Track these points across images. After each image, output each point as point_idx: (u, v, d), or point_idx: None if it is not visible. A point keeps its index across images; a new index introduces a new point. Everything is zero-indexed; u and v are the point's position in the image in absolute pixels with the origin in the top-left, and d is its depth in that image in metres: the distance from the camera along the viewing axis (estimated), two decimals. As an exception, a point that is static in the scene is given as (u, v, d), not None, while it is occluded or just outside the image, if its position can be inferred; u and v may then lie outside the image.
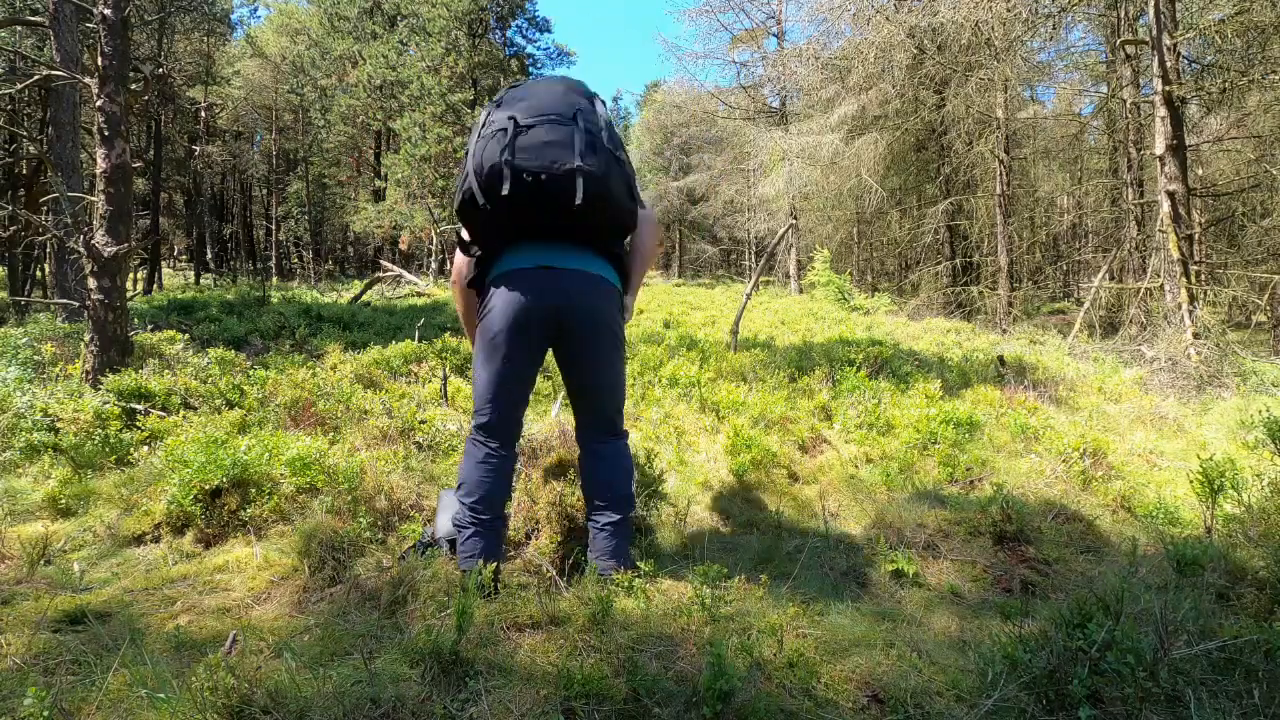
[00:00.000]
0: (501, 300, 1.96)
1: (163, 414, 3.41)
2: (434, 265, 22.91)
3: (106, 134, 4.37)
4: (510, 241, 2.01)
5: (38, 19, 9.57)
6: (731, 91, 21.33)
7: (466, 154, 1.96)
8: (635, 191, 2.02)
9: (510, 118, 1.86)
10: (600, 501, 2.10)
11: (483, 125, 1.93)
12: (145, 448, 3.03)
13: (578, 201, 1.81)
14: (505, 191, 1.81)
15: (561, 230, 1.95)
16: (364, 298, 13.00)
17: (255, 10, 31.88)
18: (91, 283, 4.21)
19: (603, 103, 2.03)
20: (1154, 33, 7.37)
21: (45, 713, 1.27)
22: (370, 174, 32.09)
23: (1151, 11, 7.39)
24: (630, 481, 2.15)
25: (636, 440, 3.33)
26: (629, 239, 2.18)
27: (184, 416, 3.32)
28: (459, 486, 2.07)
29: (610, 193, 1.88)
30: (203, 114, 27.64)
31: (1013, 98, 13.89)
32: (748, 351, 5.54)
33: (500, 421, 2.05)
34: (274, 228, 32.71)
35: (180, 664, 1.65)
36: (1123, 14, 11.93)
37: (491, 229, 1.99)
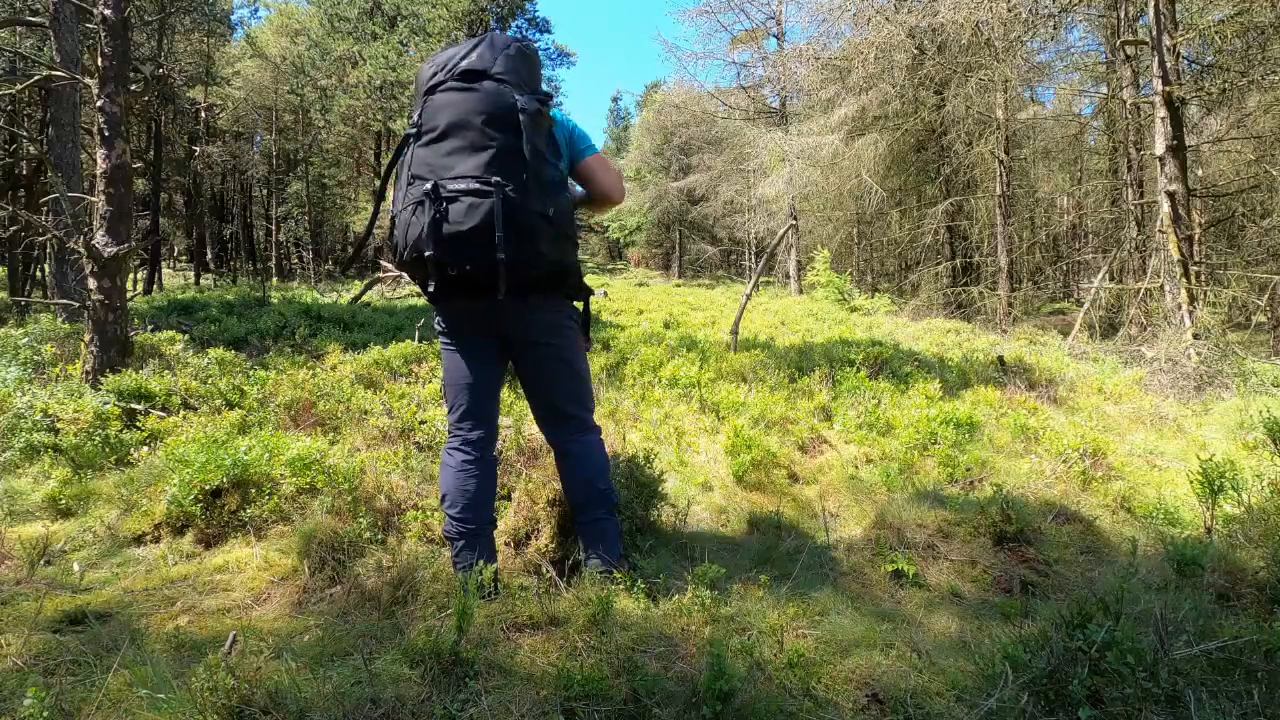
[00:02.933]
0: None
1: (163, 414, 3.41)
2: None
3: (106, 134, 4.37)
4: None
5: (38, 19, 9.58)
6: (731, 92, 21.35)
7: (393, 190, 1.90)
8: (572, 225, 1.90)
9: (430, 190, 1.74)
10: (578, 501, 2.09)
11: (405, 161, 1.84)
12: (145, 448, 3.03)
13: (499, 297, 1.78)
14: (431, 287, 1.81)
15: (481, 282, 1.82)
16: (364, 298, 13.00)
17: (255, 10, 31.90)
18: (91, 283, 4.21)
19: (539, 110, 1.83)
20: (1154, 33, 7.37)
21: (45, 713, 1.27)
22: (370, 174, 32.09)
23: (1151, 12, 7.39)
24: (605, 475, 2.11)
25: (636, 440, 3.33)
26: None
27: (184, 417, 3.32)
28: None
29: (538, 262, 1.80)
30: (203, 114, 27.64)
31: (1013, 98, 13.89)
32: (748, 352, 5.54)
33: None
34: (274, 228, 32.71)
35: (180, 664, 1.65)
36: (1123, 14, 11.92)
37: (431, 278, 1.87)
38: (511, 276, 1.77)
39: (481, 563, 1.89)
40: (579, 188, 2.11)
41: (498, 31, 1.94)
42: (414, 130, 1.86)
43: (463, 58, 1.85)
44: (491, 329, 1.97)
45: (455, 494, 2.00)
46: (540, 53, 30.96)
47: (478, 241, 1.72)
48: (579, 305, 2.10)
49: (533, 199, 1.77)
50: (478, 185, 1.73)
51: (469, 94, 1.80)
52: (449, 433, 2.07)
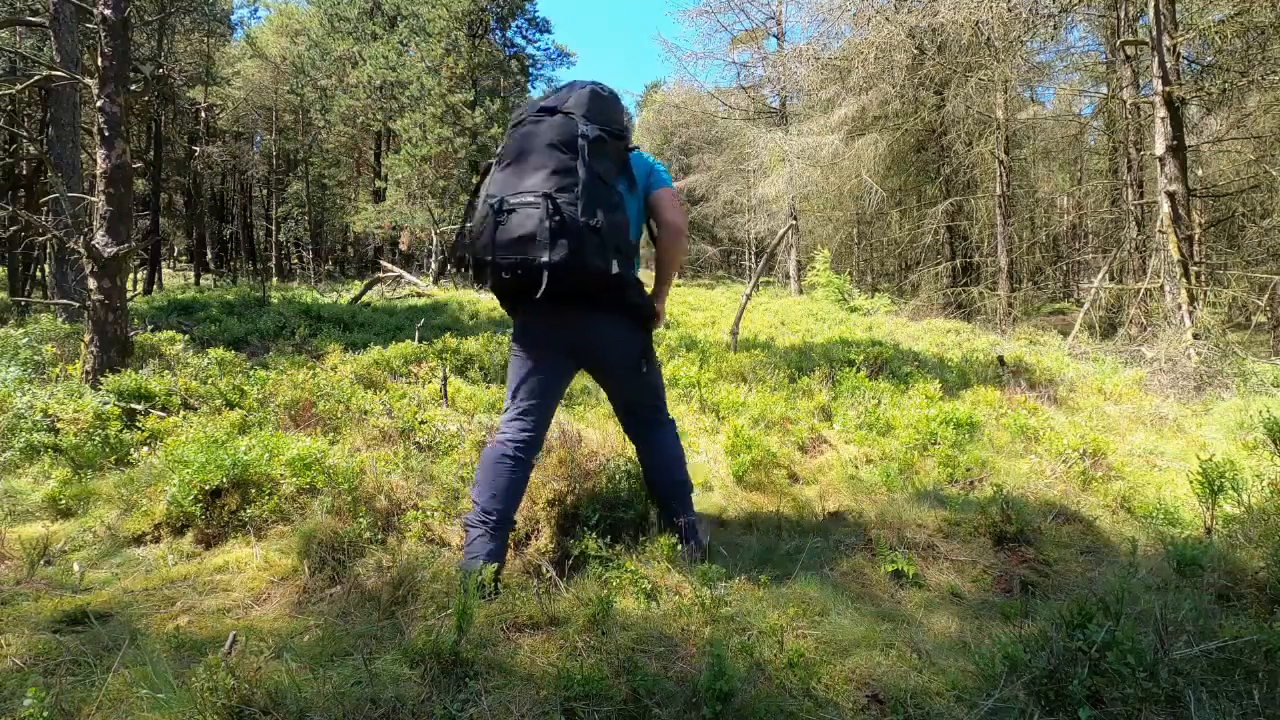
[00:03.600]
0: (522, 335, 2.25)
1: (163, 414, 3.41)
2: (434, 266, 22.89)
3: (106, 134, 4.37)
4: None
5: (38, 19, 9.58)
6: (731, 92, 21.36)
7: (475, 202, 2.11)
8: (623, 239, 2.03)
9: (496, 203, 1.98)
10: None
11: (485, 185, 2.10)
12: (145, 448, 3.03)
13: (536, 296, 1.93)
14: (489, 285, 2.06)
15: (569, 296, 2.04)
16: (364, 298, 13.00)
17: (255, 11, 31.90)
18: (91, 283, 4.21)
19: (606, 141, 2.03)
20: (1154, 33, 7.37)
21: (45, 713, 1.27)
22: (370, 174, 32.09)
23: (1151, 12, 7.39)
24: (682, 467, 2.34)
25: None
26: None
27: (184, 417, 3.32)
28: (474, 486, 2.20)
29: (582, 268, 1.93)
30: (203, 114, 27.63)
31: (1013, 98, 13.89)
32: (748, 352, 5.54)
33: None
34: (274, 228, 32.70)
35: (180, 664, 1.65)
36: (1123, 14, 11.92)
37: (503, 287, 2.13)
38: (554, 281, 1.92)
39: (483, 563, 1.94)
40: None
41: (580, 80, 2.19)
42: (496, 159, 2.13)
43: (544, 99, 2.14)
44: (564, 346, 2.18)
45: (488, 485, 2.12)
46: (542, 53, 30.78)
47: (526, 246, 1.93)
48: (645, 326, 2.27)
49: (583, 211, 1.93)
50: (533, 199, 1.94)
51: (540, 125, 2.04)
52: (500, 428, 2.23)
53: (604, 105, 2.11)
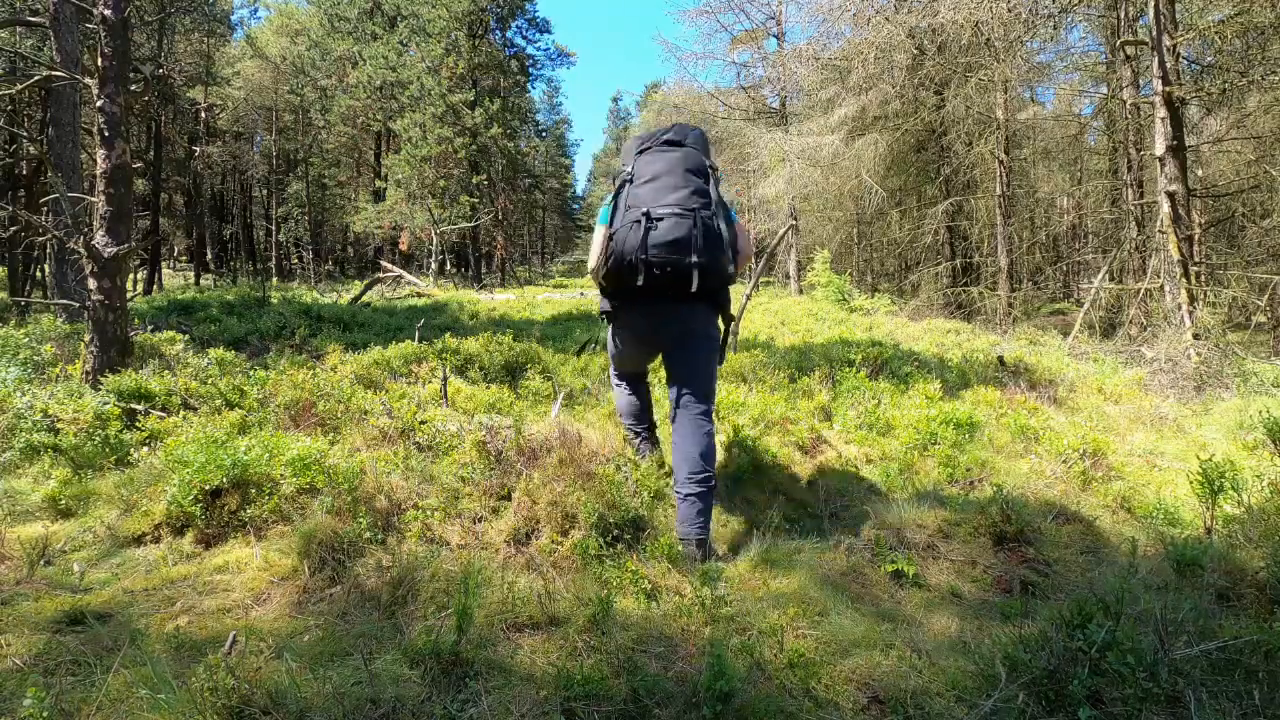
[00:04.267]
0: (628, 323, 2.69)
1: (163, 414, 3.41)
2: (434, 266, 22.89)
3: (106, 134, 4.37)
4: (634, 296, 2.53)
5: (38, 20, 9.58)
6: (731, 92, 21.33)
7: (611, 222, 2.49)
8: (732, 251, 2.49)
9: (644, 213, 2.38)
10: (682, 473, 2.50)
11: (624, 197, 2.49)
12: (145, 448, 3.02)
13: (692, 289, 2.37)
14: (640, 282, 2.38)
15: (675, 287, 2.43)
16: (364, 298, 13.00)
17: (255, 11, 31.89)
18: (92, 283, 4.21)
19: (715, 171, 2.54)
20: (1154, 34, 7.37)
21: (45, 713, 1.27)
22: (370, 174, 32.09)
23: (1151, 12, 7.39)
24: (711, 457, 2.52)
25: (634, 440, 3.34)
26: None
27: (184, 417, 3.32)
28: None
29: (719, 270, 2.41)
30: (203, 114, 27.62)
31: (1013, 98, 13.88)
32: (747, 352, 5.54)
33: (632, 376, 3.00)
34: (274, 228, 32.71)
35: (180, 665, 1.65)
36: (1123, 15, 11.92)
37: (622, 289, 2.52)
38: (703, 277, 2.36)
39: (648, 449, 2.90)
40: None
41: (685, 124, 2.67)
42: (629, 178, 2.53)
43: (664, 132, 2.62)
44: (655, 333, 2.61)
45: (625, 410, 2.99)
46: (542, 53, 30.92)
47: (681, 247, 2.35)
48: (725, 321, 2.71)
49: (719, 223, 2.42)
50: (680, 210, 2.38)
51: (673, 153, 2.53)
52: (614, 378, 3.03)
53: (709, 146, 2.64)
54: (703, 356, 2.57)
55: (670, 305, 2.49)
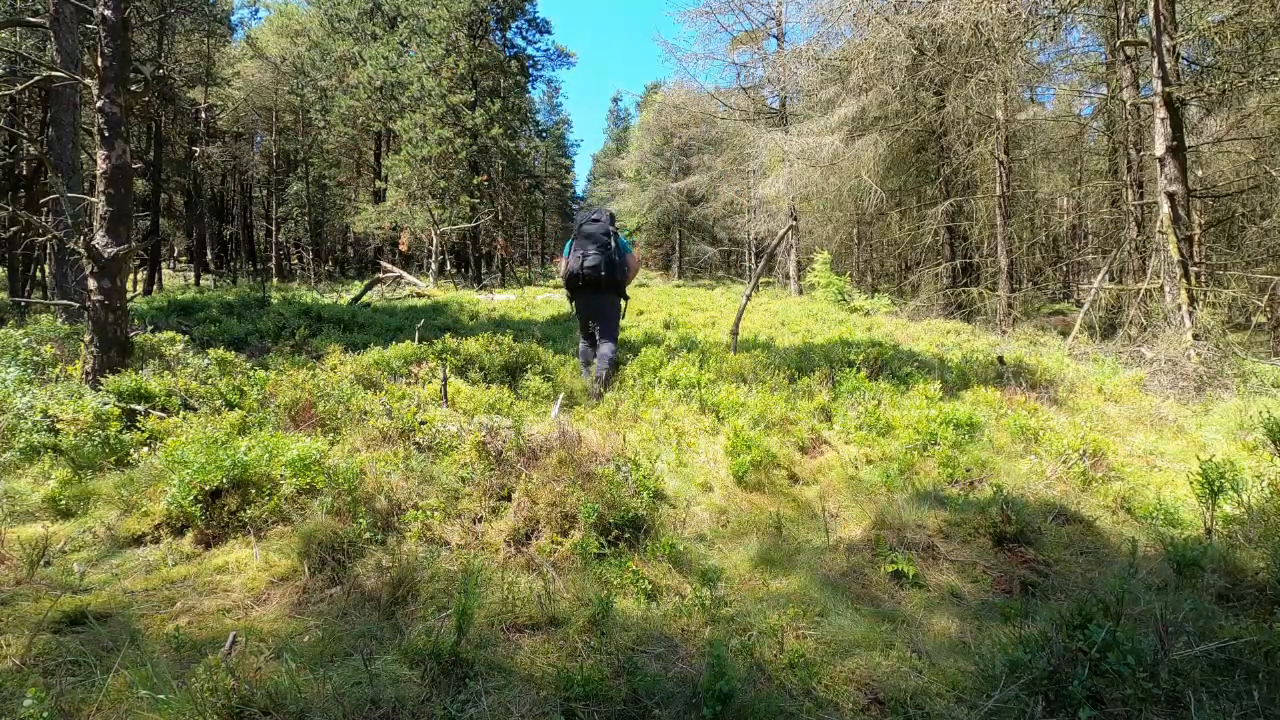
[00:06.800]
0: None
1: (163, 415, 3.41)
2: (434, 266, 22.89)
3: (106, 135, 4.37)
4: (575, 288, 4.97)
5: (38, 20, 9.58)
6: (731, 93, 21.35)
7: (569, 255, 4.90)
8: (623, 268, 4.93)
9: (581, 253, 4.80)
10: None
11: (573, 244, 4.89)
12: (145, 448, 3.02)
13: (599, 287, 4.86)
14: (580, 284, 4.84)
15: (593, 286, 4.88)
16: (364, 299, 13.00)
17: (255, 11, 31.88)
18: (92, 284, 4.21)
19: (612, 221, 4.98)
20: (1154, 34, 7.37)
21: (45, 713, 1.27)
22: (370, 175, 32.10)
23: (1151, 13, 7.40)
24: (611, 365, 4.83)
25: (634, 440, 3.34)
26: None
27: (184, 417, 3.32)
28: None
29: (615, 278, 4.84)
30: (203, 115, 27.62)
31: (1012, 99, 13.89)
32: (748, 353, 5.54)
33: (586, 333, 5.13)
34: (274, 228, 32.69)
35: (180, 665, 1.65)
36: (1123, 15, 11.92)
37: (572, 287, 4.94)
38: (608, 282, 4.81)
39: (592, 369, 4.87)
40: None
41: (600, 209, 5.05)
42: (575, 233, 4.95)
43: (593, 213, 5.01)
44: (589, 305, 4.92)
45: (581, 352, 5.08)
46: (542, 53, 30.99)
47: (597, 269, 4.76)
48: (622, 299, 5.09)
49: (614, 258, 4.85)
50: (597, 250, 4.81)
51: (595, 225, 4.91)
52: (580, 336, 5.13)
53: (614, 218, 4.99)
54: (610, 318, 4.89)
55: (593, 294, 4.87)
